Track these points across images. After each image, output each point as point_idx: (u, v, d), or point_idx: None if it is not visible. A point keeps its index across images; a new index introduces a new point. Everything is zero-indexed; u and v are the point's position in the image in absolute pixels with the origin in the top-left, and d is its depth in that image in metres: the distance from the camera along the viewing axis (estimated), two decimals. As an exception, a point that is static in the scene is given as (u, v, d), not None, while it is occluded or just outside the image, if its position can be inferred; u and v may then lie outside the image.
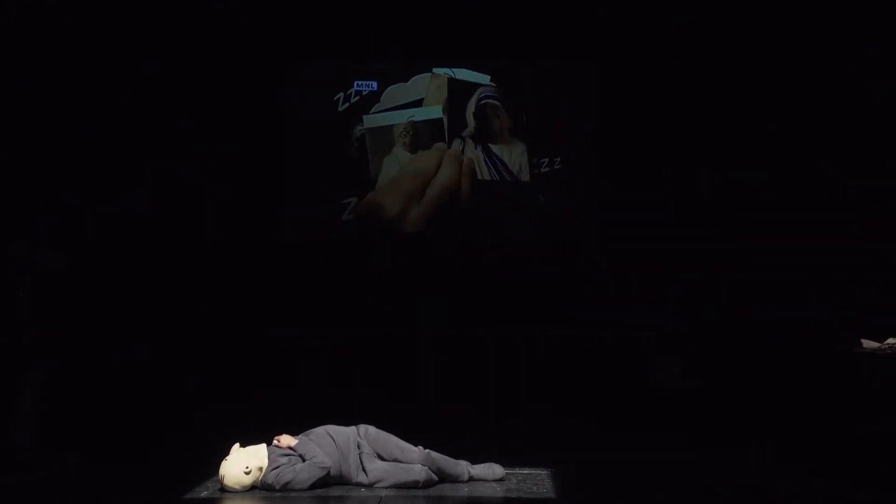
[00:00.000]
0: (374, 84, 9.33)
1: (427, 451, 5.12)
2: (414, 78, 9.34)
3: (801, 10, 8.43)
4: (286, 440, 5.04)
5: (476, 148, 9.22)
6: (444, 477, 5.10)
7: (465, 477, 5.17)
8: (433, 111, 9.33)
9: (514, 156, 9.23)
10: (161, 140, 8.85)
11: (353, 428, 5.17)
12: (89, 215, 8.33)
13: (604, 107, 9.15)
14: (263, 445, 5.02)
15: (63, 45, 8.08)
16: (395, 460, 5.07)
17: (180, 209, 8.83)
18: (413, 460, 5.05)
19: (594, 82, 9.23)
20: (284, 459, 4.95)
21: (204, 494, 4.99)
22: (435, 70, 9.29)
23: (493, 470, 5.28)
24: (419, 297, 8.72)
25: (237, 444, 5.01)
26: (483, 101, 9.29)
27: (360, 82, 9.31)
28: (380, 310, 8.62)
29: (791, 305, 8.36)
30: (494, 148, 9.23)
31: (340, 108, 9.33)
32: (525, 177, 9.21)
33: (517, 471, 5.61)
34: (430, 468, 5.03)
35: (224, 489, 4.93)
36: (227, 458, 4.94)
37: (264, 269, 8.96)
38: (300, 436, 5.11)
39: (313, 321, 8.39)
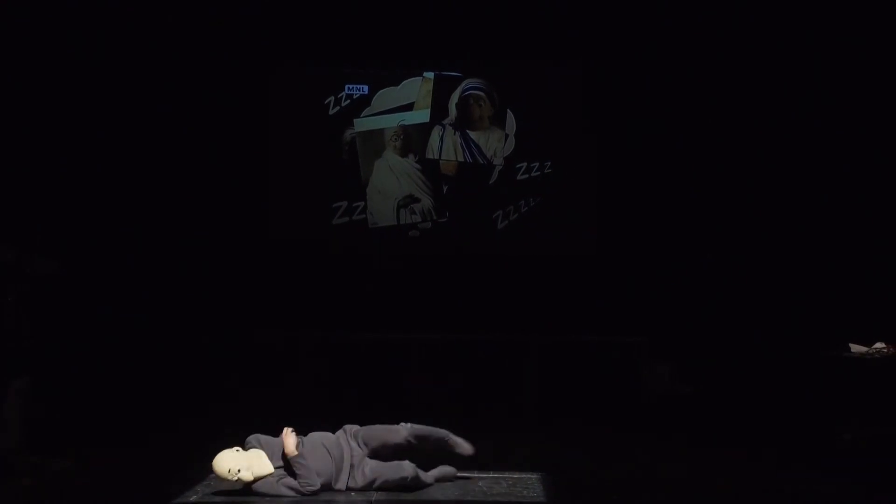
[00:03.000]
0: (366, 88, 9.32)
1: (409, 424, 5.28)
2: (405, 82, 9.34)
3: (797, 11, 8.48)
4: (290, 442, 5.01)
5: (455, 134, 9.28)
6: (429, 443, 5.28)
7: (448, 438, 5.33)
8: (423, 115, 9.33)
9: (491, 142, 9.29)
10: (151, 143, 8.81)
11: (341, 433, 5.19)
12: (77, 219, 8.31)
13: (595, 111, 9.15)
14: (263, 455, 5.01)
15: (51, 49, 8.05)
16: (384, 443, 5.16)
17: (169, 213, 8.79)
18: (401, 435, 5.18)
19: (585, 86, 9.23)
20: (278, 472, 4.99)
21: (194, 499, 4.98)
22: (426, 74, 9.30)
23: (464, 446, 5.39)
24: (409, 303, 8.70)
25: (237, 448, 4.99)
26: (467, 93, 9.34)
27: (350, 86, 9.30)
28: (371, 314, 8.60)
29: (781, 311, 8.38)
30: (472, 134, 9.29)
31: (331, 112, 9.32)
32: (498, 161, 9.27)
33: (507, 475, 5.63)
34: (416, 436, 5.19)
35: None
36: (224, 452, 4.93)
37: (253, 273, 8.93)
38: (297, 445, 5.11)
39: (303, 324, 8.36)
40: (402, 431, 5.21)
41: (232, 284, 8.80)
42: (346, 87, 9.28)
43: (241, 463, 4.89)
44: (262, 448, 5.02)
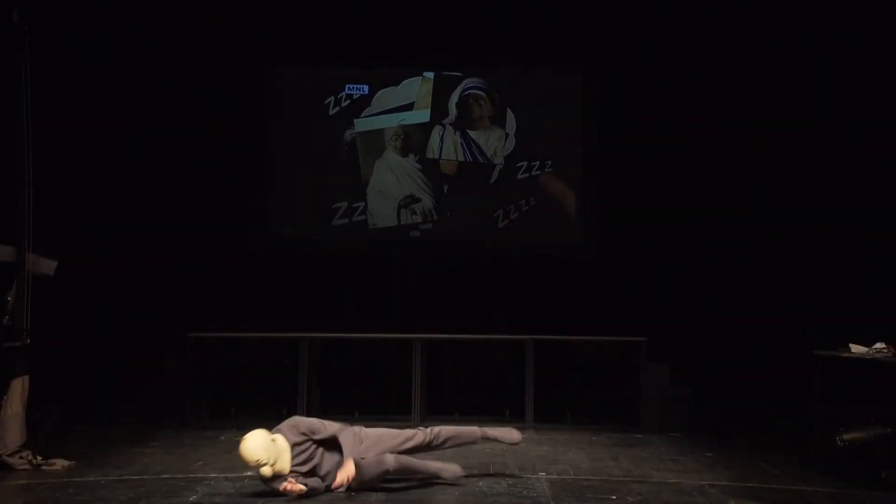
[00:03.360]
0: (366, 88, 9.31)
1: (421, 429, 5.48)
2: (404, 82, 9.35)
3: (796, 13, 8.50)
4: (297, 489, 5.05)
5: (455, 133, 9.31)
6: (453, 442, 5.51)
7: (479, 434, 5.59)
8: (424, 115, 9.34)
9: (491, 140, 9.31)
10: (151, 145, 8.82)
11: (350, 436, 5.17)
12: (78, 218, 8.32)
13: (594, 112, 9.14)
14: (288, 452, 5.02)
15: (53, 50, 8.03)
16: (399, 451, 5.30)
17: (170, 214, 8.79)
18: (419, 441, 5.36)
19: (585, 86, 9.23)
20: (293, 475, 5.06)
21: (194, 499, 4.99)
22: (425, 74, 9.30)
23: (510, 435, 5.65)
24: (410, 302, 8.69)
25: (273, 437, 5.00)
26: (467, 92, 9.36)
27: (351, 86, 9.30)
28: (371, 314, 8.59)
29: (781, 310, 8.38)
30: (472, 133, 9.32)
31: (332, 112, 9.31)
32: (499, 160, 9.29)
33: (509, 476, 5.64)
34: (435, 438, 5.41)
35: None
36: (257, 437, 4.92)
37: (255, 273, 8.93)
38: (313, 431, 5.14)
39: (303, 324, 8.34)
40: (387, 458, 5.21)
41: (232, 285, 8.79)
42: (346, 87, 9.28)
43: (270, 456, 4.89)
44: (289, 442, 5.03)
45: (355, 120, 9.27)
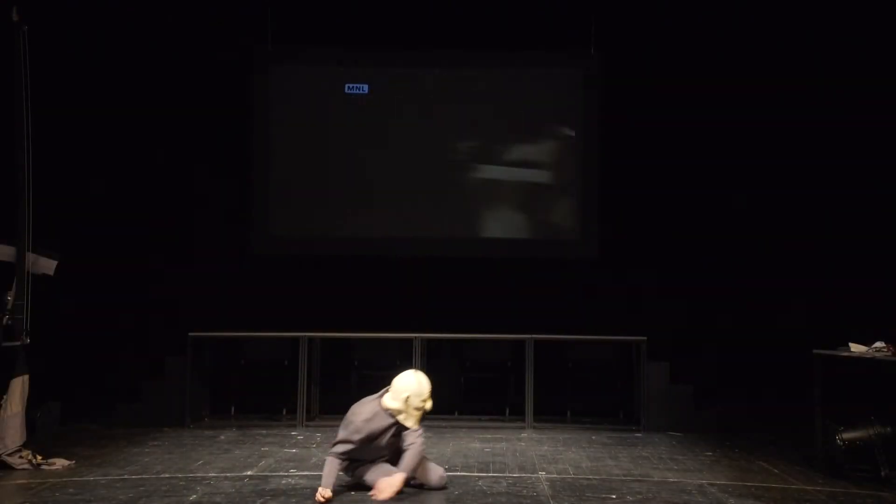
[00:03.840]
0: (366, 87, 9.29)
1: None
2: (545, 140, 9.27)
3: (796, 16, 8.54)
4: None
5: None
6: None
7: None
8: (544, 175, 9.21)
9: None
10: (151, 144, 8.83)
11: (417, 456, 5.12)
12: (79, 218, 8.33)
13: (594, 113, 9.14)
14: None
15: (53, 45, 8.04)
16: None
17: (172, 213, 8.80)
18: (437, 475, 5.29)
19: (584, 84, 9.21)
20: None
21: (193, 498, 4.99)
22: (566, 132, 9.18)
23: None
24: (410, 302, 8.69)
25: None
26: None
27: (350, 85, 9.27)
28: (371, 314, 8.58)
29: (780, 310, 8.39)
30: None
31: (334, 112, 9.26)
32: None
33: (507, 475, 5.64)
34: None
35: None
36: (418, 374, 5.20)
37: (255, 272, 8.93)
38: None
39: (303, 325, 8.34)
40: (440, 471, 5.30)
41: (232, 285, 8.80)
42: (346, 86, 9.25)
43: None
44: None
45: (479, 166, 9.21)
